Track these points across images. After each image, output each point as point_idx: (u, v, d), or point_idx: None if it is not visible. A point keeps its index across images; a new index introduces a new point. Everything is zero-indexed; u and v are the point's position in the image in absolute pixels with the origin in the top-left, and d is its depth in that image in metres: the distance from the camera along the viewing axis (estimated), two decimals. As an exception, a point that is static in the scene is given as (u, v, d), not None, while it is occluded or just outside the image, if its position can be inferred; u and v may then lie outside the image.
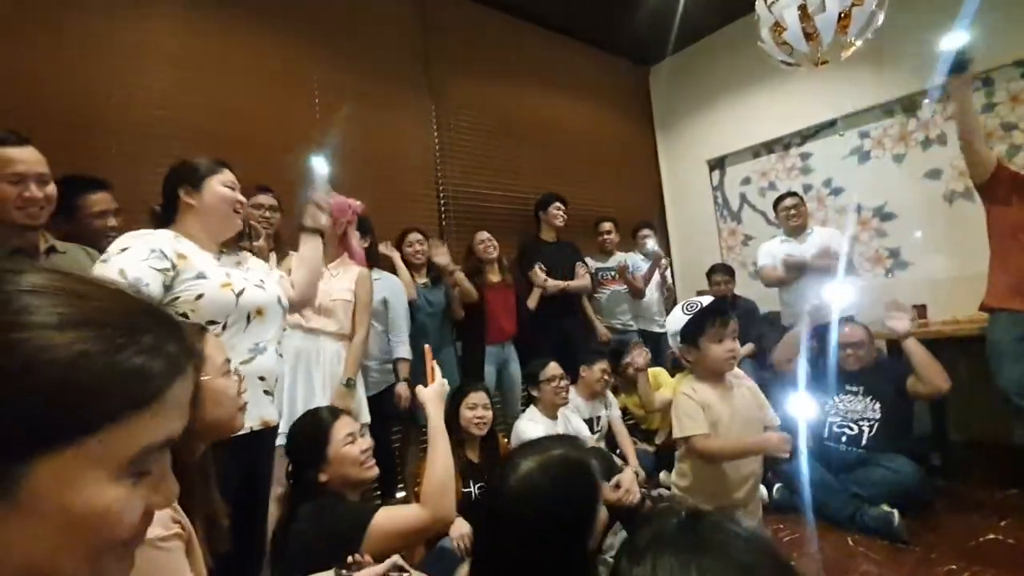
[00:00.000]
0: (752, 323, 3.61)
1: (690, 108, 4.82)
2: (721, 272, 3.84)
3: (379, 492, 2.57)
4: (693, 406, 1.93)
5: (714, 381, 2.01)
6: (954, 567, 1.86)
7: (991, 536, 2.05)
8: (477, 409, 2.22)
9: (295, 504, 1.41)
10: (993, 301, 2.27)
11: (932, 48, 3.32)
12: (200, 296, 1.35)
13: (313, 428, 1.52)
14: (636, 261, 3.88)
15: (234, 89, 2.69)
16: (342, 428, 1.49)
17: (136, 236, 1.37)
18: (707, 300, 2.02)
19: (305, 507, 1.40)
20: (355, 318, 2.28)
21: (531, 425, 2.38)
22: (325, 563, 1.07)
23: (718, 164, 4.71)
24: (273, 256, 2.21)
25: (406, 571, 1.01)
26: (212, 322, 1.37)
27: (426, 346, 1.62)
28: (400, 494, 2.68)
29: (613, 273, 3.76)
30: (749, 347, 3.49)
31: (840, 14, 1.77)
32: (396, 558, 1.02)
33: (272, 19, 2.89)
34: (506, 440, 2.44)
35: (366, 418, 2.24)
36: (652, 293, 3.87)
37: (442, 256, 2.90)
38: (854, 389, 2.58)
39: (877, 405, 2.50)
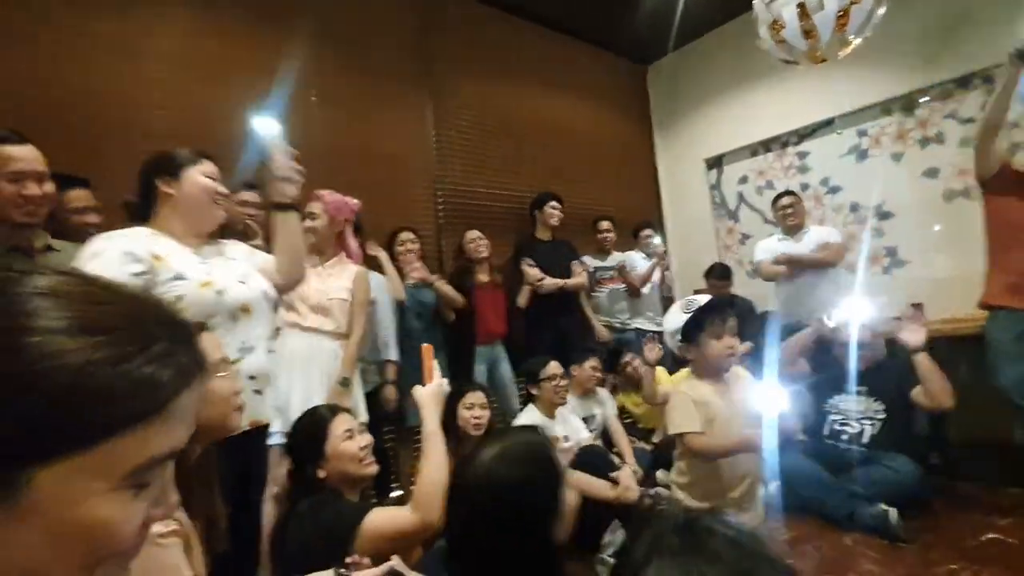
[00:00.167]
0: (749, 322, 3.61)
1: (688, 107, 4.82)
2: (719, 275, 3.83)
3: (374, 492, 2.56)
4: (687, 403, 1.95)
5: (713, 378, 2.02)
6: (954, 567, 1.84)
7: (992, 536, 2.03)
8: (474, 409, 2.21)
9: (294, 501, 1.41)
10: (992, 299, 2.26)
11: (929, 47, 3.36)
12: (179, 298, 1.31)
13: (311, 425, 1.52)
14: (636, 260, 3.88)
15: (230, 88, 2.67)
16: (340, 425, 1.49)
17: (107, 238, 1.31)
18: (704, 299, 2.03)
19: (302, 504, 1.40)
20: (352, 317, 2.27)
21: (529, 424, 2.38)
22: (321, 561, 1.06)
23: (716, 163, 4.71)
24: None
25: (403, 574, 1.00)
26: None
27: (425, 345, 1.56)
28: (396, 493, 2.68)
29: (612, 272, 3.76)
30: (747, 345, 3.49)
31: (838, 12, 1.77)
32: (395, 561, 1.01)
33: (270, 17, 2.87)
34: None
35: (364, 417, 2.23)
36: (652, 291, 3.87)
37: (417, 271, 2.85)
38: (857, 389, 2.57)
39: (881, 405, 2.49)
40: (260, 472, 1.58)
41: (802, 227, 3.37)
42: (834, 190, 3.93)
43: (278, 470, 1.97)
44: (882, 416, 2.48)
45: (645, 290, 3.83)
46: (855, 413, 2.54)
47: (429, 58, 3.55)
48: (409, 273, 2.83)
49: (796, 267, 3.23)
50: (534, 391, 2.51)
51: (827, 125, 3.96)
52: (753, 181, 4.45)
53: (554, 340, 3.18)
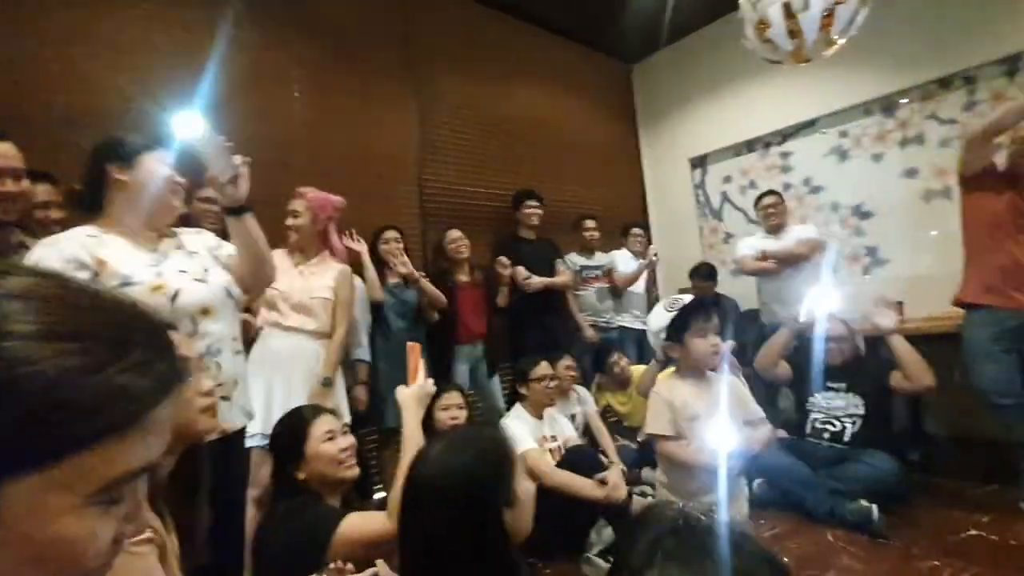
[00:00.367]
0: (733, 320, 3.64)
1: (673, 106, 4.84)
2: (704, 276, 3.85)
3: (356, 495, 2.53)
4: (659, 404, 1.99)
5: (696, 377, 2.04)
6: (936, 563, 1.87)
7: (972, 532, 2.06)
8: (451, 410, 2.19)
9: (275, 503, 1.39)
10: (968, 297, 2.29)
11: (910, 48, 3.41)
12: None
13: (292, 425, 1.49)
14: (623, 259, 3.89)
15: (213, 83, 2.60)
16: (321, 426, 1.46)
17: (47, 245, 1.21)
18: (688, 299, 2.06)
19: (281, 507, 1.37)
20: (335, 316, 2.23)
21: (516, 423, 2.37)
22: (298, 567, 1.04)
23: (700, 162, 4.73)
24: None
25: None
26: None
27: (411, 344, 1.50)
28: (380, 495, 2.64)
29: (597, 272, 3.76)
30: (730, 344, 3.52)
31: (824, 12, 1.78)
32: (379, 566, 0.99)
33: (253, 11, 2.81)
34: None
35: (347, 418, 2.20)
36: (639, 290, 3.88)
37: (403, 267, 2.82)
38: (836, 386, 2.60)
39: (860, 401, 2.52)
40: (234, 479, 1.49)
41: (784, 226, 3.40)
42: (816, 190, 3.98)
43: (260, 472, 1.94)
44: (861, 411, 2.51)
45: (636, 289, 3.84)
46: (836, 410, 2.57)
47: (414, 54, 3.51)
48: (397, 266, 2.80)
49: (776, 264, 3.26)
50: (523, 391, 2.49)
51: (810, 126, 4.01)
52: (737, 181, 4.49)
53: (540, 339, 3.17)
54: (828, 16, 1.79)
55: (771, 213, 3.41)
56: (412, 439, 1.33)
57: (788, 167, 4.14)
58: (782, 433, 2.76)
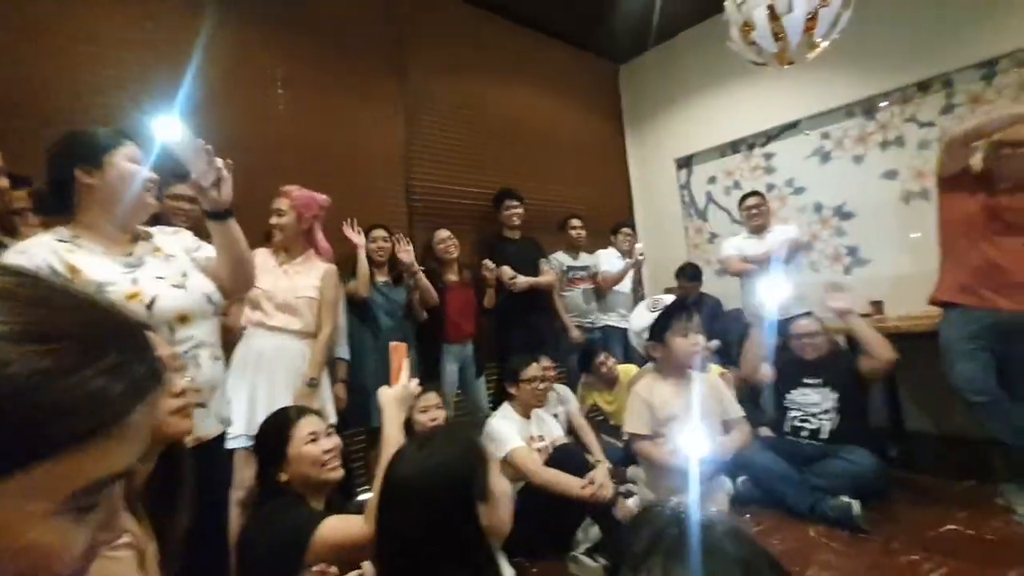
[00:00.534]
0: (717, 319, 3.68)
1: (659, 107, 4.87)
2: (689, 277, 3.87)
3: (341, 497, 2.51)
4: (637, 403, 2.03)
5: (676, 376, 2.08)
6: (915, 557, 1.90)
7: (950, 527, 2.10)
8: (430, 411, 2.18)
9: (259, 505, 1.37)
10: (944, 296, 2.33)
11: (890, 51, 3.46)
12: None
13: (275, 426, 1.48)
14: (609, 258, 3.90)
15: (194, 79, 2.56)
16: (305, 427, 1.44)
17: (19, 252, 1.16)
18: (670, 299, 2.09)
19: (263, 509, 1.36)
20: (320, 316, 2.22)
21: (504, 423, 2.36)
22: (279, 569, 1.03)
23: (686, 163, 4.77)
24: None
25: None
26: None
27: (394, 343, 1.46)
28: (365, 497, 2.62)
29: (583, 273, 3.77)
30: (714, 343, 3.56)
31: (807, 15, 1.80)
32: (364, 569, 0.99)
33: (236, 8, 2.77)
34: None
35: (333, 418, 2.18)
36: (625, 289, 3.90)
37: (407, 254, 2.84)
38: (812, 381, 2.64)
39: (834, 395, 2.56)
40: (215, 486, 1.45)
41: (767, 227, 3.44)
42: (799, 191, 4.03)
43: (243, 473, 1.91)
44: (836, 405, 2.55)
45: (622, 288, 3.85)
46: (812, 407, 2.61)
47: (401, 53, 3.49)
48: (400, 254, 2.83)
49: (760, 265, 3.30)
50: (512, 391, 2.49)
51: (793, 127, 4.05)
52: (721, 181, 4.53)
53: (525, 339, 3.17)
54: (811, 19, 1.82)
55: (754, 214, 3.45)
56: (391, 441, 1.29)
57: (771, 168, 4.19)
58: (766, 431, 2.80)
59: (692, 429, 1.86)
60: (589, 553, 2.08)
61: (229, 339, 1.96)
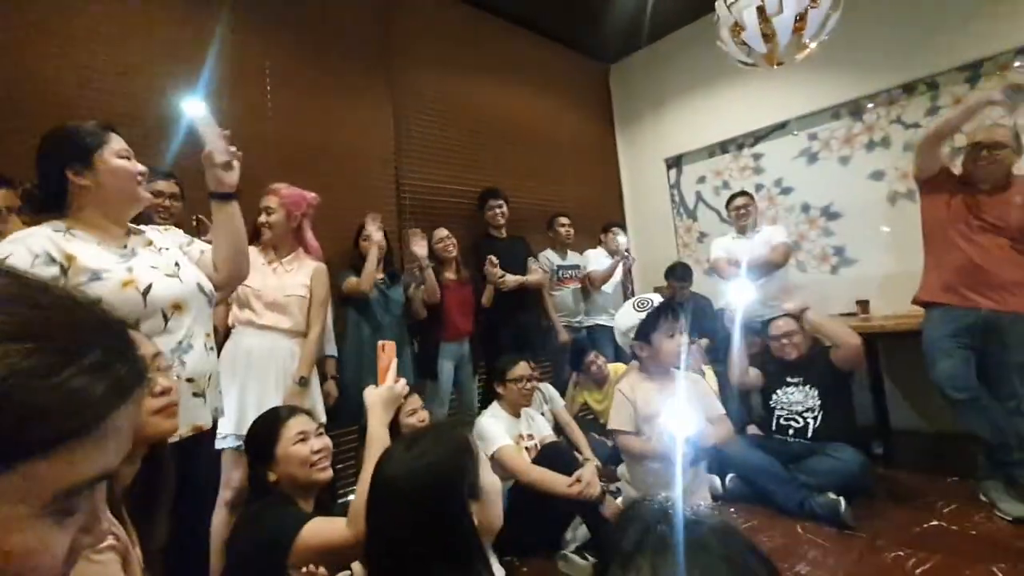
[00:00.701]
0: (706, 318, 3.70)
1: (649, 107, 4.89)
2: (679, 276, 3.89)
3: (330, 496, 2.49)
4: (621, 401, 2.06)
5: (661, 375, 2.10)
6: (900, 553, 1.93)
7: (934, 522, 2.14)
8: (417, 413, 2.16)
9: (248, 505, 1.36)
10: (926, 296, 2.37)
11: (876, 53, 3.50)
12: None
13: (264, 426, 1.46)
14: (597, 257, 3.91)
15: (183, 76, 2.53)
16: (294, 427, 1.43)
17: (16, 241, 1.17)
18: (656, 298, 2.11)
19: (250, 509, 1.35)
20: (311, 314, 2.20)
21: (493, 422, 2.36)
22: (262, 570, 1.03)
23: (675, 163, 4.80)
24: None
25: None
26: None
27: (382, 342, 1.44)
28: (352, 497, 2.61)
29: (572, 272, 3.78)
30: (704, 342, 3.58)
31: (796, 16, 1.82)
32: (354, 570, 0.98)
33: (224, 4, 2.74)
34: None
35: (323, 418, 2.17)
36: (616, 289, 3.91)
37: (421, 247, 2.82)
38: (795, 380, 2.67)
39: (815, 392, 2.60)
40: (203, 479, 1.44)
41: (755, 227, 3.47)
42: (786, 191, 4.06)
43: (232, 473, 1.90)
44: (818, 402, 2.59)
45: (607, 288, 3.86)
46: (795, 405, 2.64)
47: (391, 51, 3.47)
48: (415, 247, 2.86)
49: (747, 267, 3.33)
50: (500, 390, 2.49)
51: (781, 128, 4.09)
52: (711, 181, 4.56)
53: (514, 338, 3.17)
54: (800, 20, 1.83)
55: (742, 214, 3.47)
56: (376, 442, 1.28)
57: (760, 168, 4.22)
58: (754, 430, 2.83)
59: (675, 416, 1.89)
60: (579, 551, 2.09)
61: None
